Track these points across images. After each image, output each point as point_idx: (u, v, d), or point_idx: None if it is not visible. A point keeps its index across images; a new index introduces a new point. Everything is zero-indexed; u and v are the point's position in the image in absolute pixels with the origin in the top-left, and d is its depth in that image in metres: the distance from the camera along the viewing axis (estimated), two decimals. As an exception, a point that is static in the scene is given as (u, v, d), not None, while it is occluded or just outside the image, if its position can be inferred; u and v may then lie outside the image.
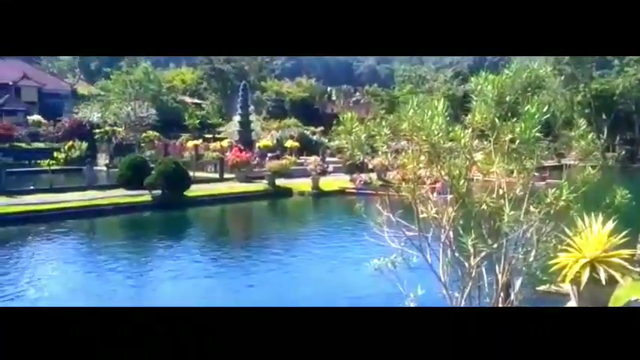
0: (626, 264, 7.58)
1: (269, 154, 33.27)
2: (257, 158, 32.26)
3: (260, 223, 23.16)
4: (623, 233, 7.63)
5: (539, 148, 4.24)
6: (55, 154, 32.46)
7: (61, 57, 74.29)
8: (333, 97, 68.42)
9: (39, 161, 31.42)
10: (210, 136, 41.91)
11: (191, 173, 25.60)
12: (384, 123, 4.37)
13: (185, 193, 23.45)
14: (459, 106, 5.77)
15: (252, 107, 42.48)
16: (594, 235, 7.41)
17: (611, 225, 7.36)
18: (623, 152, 48.26)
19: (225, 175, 29.23)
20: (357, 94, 70.08)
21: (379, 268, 4.76)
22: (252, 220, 24.10)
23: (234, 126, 39.72)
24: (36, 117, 41.81)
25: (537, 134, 3.83)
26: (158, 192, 22.60)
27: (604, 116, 51.32)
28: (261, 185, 27.62)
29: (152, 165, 24.66)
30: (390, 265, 4.68)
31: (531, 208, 3.91)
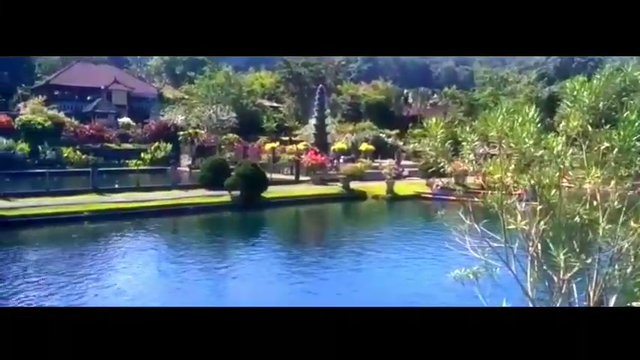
0: None
1: (344, 157, 33.40)
2: (334, 161, 32.51)
3: (334, 226, 23.27)
4: None
5: (638, 157, 3.96)
6: (142, 154, 34.39)
7: (148, 62, 78.52)
8: (410, 100, 67.61)
9: (127, 161, 33.39)
10: (286, 138, 42.66)
11: (268, 175, 26.18)
12: (468, 129, 4.25)
13: (262, 194, 24.01)
14: (545, 109, 5.54)
15: (328, 110, 42.85)
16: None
17: None
18: None
19: (301, 178, 29.66)
20: (435, 96, 68.83)
21: (460, 278, 4.63)
22: (326, 223, 24.26)
23: (310, 129, 40.24)
24: (125, 119, 44.31)
25: (637, 142, 3.57)
26: (237, 193, 23.29)
27: None
28: (335, 188, 27.78)
29: (232, 166, 25.43)
30: (472, 276, 4.53)
31: (632, 223, 3.65)
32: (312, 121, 39.66)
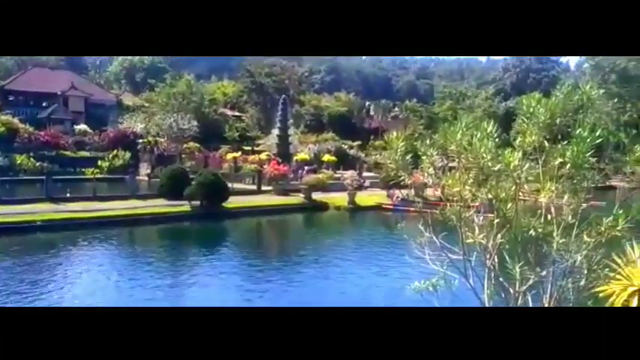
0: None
1: (306, 168, 33.42)
2: (297, 171, 32.48)
3: (296, 236, 23.19)
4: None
5: (590, 173, 4.09)
6: (99, 162, 33.52)
7: (108, 68, 76.94)
8: (372, 112, 68.34)
9: (83, 169, 32.48)
10: (249, 148, 42.44)
11: (230, 185, 25.92)
12: (428, 142, 4.30)
13: (223, 204, 23.74)
14: (501, 124, 5.67)
15: (291, 121, 42.88)
16: (645, 263, 7.11)
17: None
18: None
19: (263, 188, 29.49)
20: (396, 109, 69.79)
21: (419, 290, 4.67)
22: (287, 233, 24.15)
23: (272, 139, 40.15)
24: (82, 126, 43.19)
25: (590, 159, 3.69)
26: (197, 203, 22.94)
27: (652, 137, 49.57)
28: (297, 199, 27.72)
29: (192, 176, 25.08)
30: (431, 288, 4.58)
31: (585, 237, 3.75)
32: (275, 131, 39.59)
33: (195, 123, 42.35)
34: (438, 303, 4.46)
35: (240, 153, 37.46)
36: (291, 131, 40.52)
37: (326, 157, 37.63)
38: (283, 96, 43.28)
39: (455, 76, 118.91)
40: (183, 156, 37.07)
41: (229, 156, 35.76)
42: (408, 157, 4.03)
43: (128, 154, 35.65)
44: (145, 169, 34.90)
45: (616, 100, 47.91)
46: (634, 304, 6.96)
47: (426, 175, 4.04)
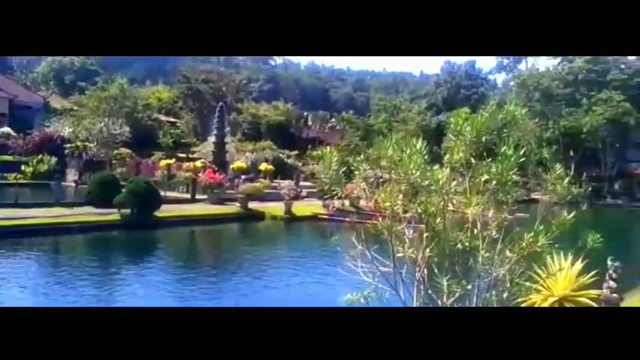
0: (592, 303, 7.70)
1: (242, 177, 33.07)
2: (233, 180, 32.06)
3: (230, 246, 22.85)
4: (592, 273, 7.77)
5: (514, 189, 4.28)
6: (23, 167, 31.76)
7: (35, 69, 73.28)
8: (309, 122, 68.79)
9: (5, 174, 30.65)
10: (183, 155, 41.49)
11: (162, 193, 25.23)
12: (362, 156, 4.36)
13: (155, 213, 23.05)
14: (433, 138, 5.84)
15: (227, 128, 42.36)
16: (563, 274, 7.52)
17: (579, 265, 7.49)
18: (590, 189, 49.53)
19: (198, 197, 28.90)
20: (333, 120, 70.61)
21: (351, 302, 4.70)
22: (222, 243, 23.75)
23: (208, 146, 39.48)
24: (5, 129, 40.79)
25: (514, 176, 3.85)
26: (127, 211, 22.16)
27: (572, 153, 52.72)
28: (233, 208, 27.36)
29: (123, 183, 24.22)
30: (362, 300, 4.62)
31: (507, 252, 3.91)
32: (212, 139, 38.94)
33: (127, 128, 40.94)
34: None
35: (174, 160, 36.57)
36: (227, 139, 40.02)
37: (263, 166, 37.41)
38: (220, 103, 42.68)
39: (390, 89, 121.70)
40: (113, 162, 35.73)
41: (163, 163, 34.79)
42: (341, 171, 4.06)
43: (54, 160, 33.97)
44: (72, 176, 33.37)
45: (537, 119, 50.72)
46: (553, 313, 7.34)
47: (359, 188, 4.09)
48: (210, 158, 36.50)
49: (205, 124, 51.42)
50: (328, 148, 4.05)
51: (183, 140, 50.95)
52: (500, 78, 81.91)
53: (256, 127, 61.34)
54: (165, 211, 23.68)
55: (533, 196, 4.83)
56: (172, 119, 60.02)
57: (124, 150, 38.02)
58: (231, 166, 35.82)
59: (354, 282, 4.81)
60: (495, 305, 4.22)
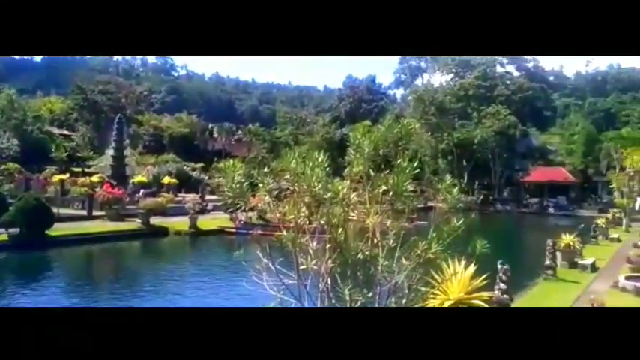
0: (485, 305, 8.23)
1: (142, 191, 31.81)
2: (133, 195, 30.73)
3: (131, 265, 21.86)
4: (483, 276, 8.32)
5: (410, 199, 4.51)
6: None
7: None
8: (215, 135, 67.76)
9: None
10: (79, 170, 39.26)
11: (55, 210, 23.66)
12: (266, 169, 4.40)
13: (47, 232, 21.55)
14: (337, 150, 6.03)
15: (127, 141, 40.66)
16: (458, 278, 7.99)
17: (472, 269, 8.00)
18: (482, 197, 53.06)
19: (95, 213, 27.39)
20: (239, 132, 70.12)
21: (257, 316, 4.70)
22: (121, 262, 22.65)
23: (106, 160, 37.66)
24: None
25: (409, 187, 4.07)
26: (16, 230, 20.55)
27: (465, 163, 56.19)
28: (133, 224, 26.21)
29: (11, 200, 22.45)
30: (268, 313, 4.63)
31: (403, 260, 4.10)
32: (110, 152, 37.15)
33: (15, 142, 38.12)
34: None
35: (68, 175, 34.46)
36: (127, 152, 38.39)
37: (166, 180, 36.25)
38: (119, 115, 40.92)
39: (295, 102, 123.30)
40: (0, 178, 33.02)
41: (56, 178, 32.65)
42: (245, 185, 4.07)
43: None
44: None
45: (433, 132, 53.74)
46: (450, 315, 7.77)
47: (263, 203, 4.12)
48: (108, 172, 34.80)
49: (103, 137, 48.99)
50: (231, 161, 4.05)
51: (78, 154, 48.27)
52: (399, 93, 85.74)
53: (159, 140, 59.44)
54: (58, 229, 22.21)
55: (431, 204, 5.11)
56: (66, 132, 56.69)
57: (11, 165, 35.27)
58: (131, 181, 34.35)
59: (260, 296, 4.81)
60: (395, 311, 4.40)
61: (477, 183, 55.67)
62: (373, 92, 79.79)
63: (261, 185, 4.10)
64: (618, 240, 25.75)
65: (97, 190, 28.96)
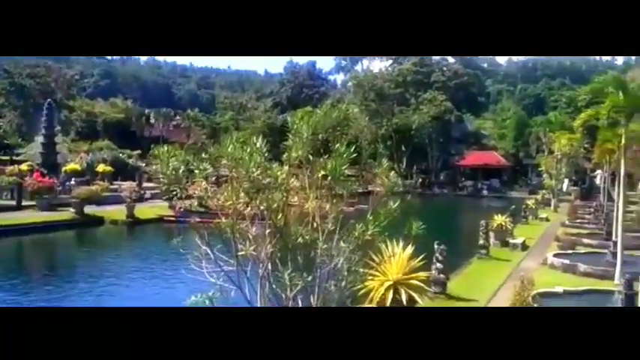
0: (423, 285, 8.51)
1: (75, 179, 30.55)
2: (66, 183, 29.46)
3: (65, 256, 21.02)
4: (421, 257, 8.57)
5: (348, 183, 4.57)
6: None
7: None
8: (152, 120, 65.79)
9: None
10: (6, 158, 37.16)
11: (-20, 201, 22.37)
12: (204, 155, 4.33)
13: (-28, 223, 20.36)
14: (279, 135, 6.02)
15: (58, 127, 38.85)
16: (396, 259, 8.20)
17: (410, 250, 8.22)
18: (420, 180, 54.48)
19: (25, 203, 26.07)
20: (178, 117, 68.40)
21: (196, 304, 4.65)
22: (54, 254, 21.73)
23: (36, 147, 35.83)
24: None
25: (346, 172, 4.12)
26: None
27: (403, 148, 57.42)
28: (67, 214, 25.15)
29: None
30: (207, 301, 4.59)
31: (342, 243, 4.17)
32: (39, 139, 35.38)
33: None
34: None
35: (-6, 163, 32.59)
36: (58, 139, 36.70)
37: (101, 167, 34.93)
38: (49, 100, 38.95)
39: (235, 87, 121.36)
40: None
41: (-19, 167, 30.83)
42: (181, 171, 3.99)
43: None
44: None
45: (372, 117, 54.46)
46: (390, 297, 7.98)
47: (199, 188, 4.06)
48: (38, 160, 33.15)
49: (32, 123, 46.59)
50: (165, 147, 3.96)
51: (6, 141, 45.70)
52: (339, 78, 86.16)
53: (92, 126, 57.20)
54: (-16, 220, 21.02)
55: (372, 188, 5.19)
56: (-9, 118, 53.48)
57: None
58: (63, 169, 32.89)
59: (202, 284, 4.76)
60: (335, 293, 4.48)
61: (415, 167, 57.06)
62: (314, 77, 79.82)
63: (197, 171, 4.04)
64: (547, 220, 27.15)
65: (26, 178, 27.54)
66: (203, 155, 4.34)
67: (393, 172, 4.56)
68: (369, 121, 53.79)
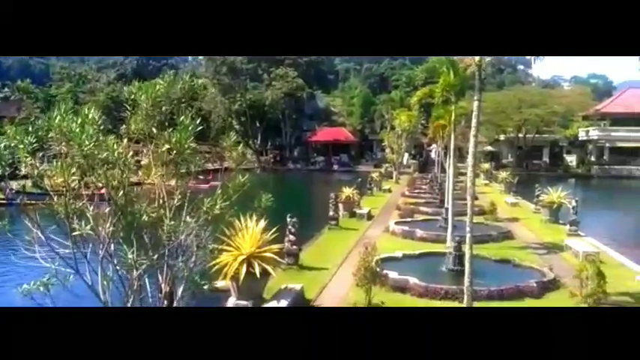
0: (276, 257, 8.66)
1: None
2: None
3: None
4: (273, 230, 8.71)
5: (195, 157, 4.44)
6: None
7: None
8: (-28, 92, 57.87)
9: None
10: None
11: None
12: (30, 128, 3.89)
13: None
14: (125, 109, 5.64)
15: None
16: (249, 233, 8.23)
17: (263, 223, 8.30)
18: (273, 156, 55.11)
19: None
20: (6, 89, 61.02)
21: (29, 292, 4.23)
22: None
23: None
24: None
25: (192, 144, 3.99)
26: None
27: (258, 124, 57.45)
28: None
29: None
30: (42, 288, 4.20)
31: (188, 218, 4.05)
32: None
33: None
34: (52, 303, 4.13)
35: None
36: None
37: None
38: None
39: (74, 57, 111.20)
40: None
41: None
42: (2, 145, 3.54)
43: None
44: None
45: (220, 92, 53.67)
46: (243, 270, 8.01)
47: (25, 166, 3.64)
48: None
49: None
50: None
51: None
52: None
53: None
54: None
55: (227, 165, 5.10)
56: None
57: None
58: None
59: (37, 270, 4.33)
60: (184, 271, 4.36)
61: (269, 143, 57.48)
62: (162, 49, 76.09)
63: (21, 146, 3.61)
64: (389, 191, 29.16)
65: None
66: (30, 129, 3.89)
67: (241, 145, 4.51)
68: (223, 96, 52.96)
